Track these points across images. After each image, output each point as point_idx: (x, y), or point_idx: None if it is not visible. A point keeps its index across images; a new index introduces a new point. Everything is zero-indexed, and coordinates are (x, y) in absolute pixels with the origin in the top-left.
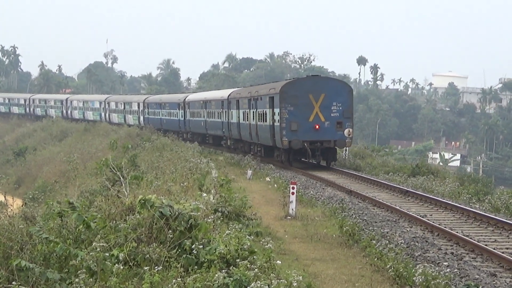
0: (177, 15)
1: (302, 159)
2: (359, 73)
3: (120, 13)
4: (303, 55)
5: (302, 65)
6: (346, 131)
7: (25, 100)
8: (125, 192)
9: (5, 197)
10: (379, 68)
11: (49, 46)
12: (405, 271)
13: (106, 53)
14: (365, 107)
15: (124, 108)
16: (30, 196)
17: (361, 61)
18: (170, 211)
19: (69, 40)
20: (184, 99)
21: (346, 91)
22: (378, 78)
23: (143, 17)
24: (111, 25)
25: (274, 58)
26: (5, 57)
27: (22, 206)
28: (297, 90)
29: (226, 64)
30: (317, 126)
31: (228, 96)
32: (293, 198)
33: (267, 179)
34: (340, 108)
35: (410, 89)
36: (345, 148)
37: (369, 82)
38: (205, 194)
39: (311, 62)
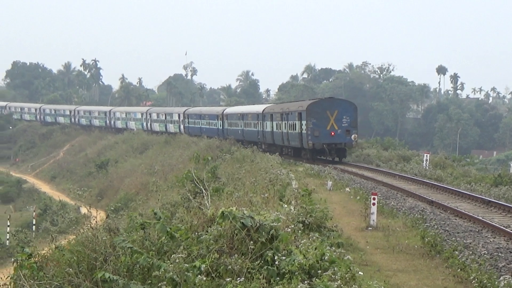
0: (255, 27)
1: (322, 157)
2: (439, 83)
3: (199, 26)
4: (382, 65)
5: (381, 75)
6: (352, 136)
7: (142, 114)
8: (207, 204)
9: (89, 209)
10: (459, 77)
11: (129, 59)
12: (488, 282)
13: (185, 65)
14: (445, 117)
15: (165, 118)
16: (113, 208)
17: (441, 70)
18: (251, 222)
19: (149, 53)
20: (223, 112)
21: (352, 108)
22: (458, 87)
23: (221, 30)
24: (190, 38)
25: (353, 68)
26: (87, 70)
27: (105, 218)
28: (318, 108)
29: (305, 75)
30: (332, 133)
31: (263, 110)
32: (374, 209)
33: (347, 189)
34: (348, 120)
35: (491, 98)
36: (425, 159)
37: (449, 92)
38: (286, 205)
39: (390, 72)
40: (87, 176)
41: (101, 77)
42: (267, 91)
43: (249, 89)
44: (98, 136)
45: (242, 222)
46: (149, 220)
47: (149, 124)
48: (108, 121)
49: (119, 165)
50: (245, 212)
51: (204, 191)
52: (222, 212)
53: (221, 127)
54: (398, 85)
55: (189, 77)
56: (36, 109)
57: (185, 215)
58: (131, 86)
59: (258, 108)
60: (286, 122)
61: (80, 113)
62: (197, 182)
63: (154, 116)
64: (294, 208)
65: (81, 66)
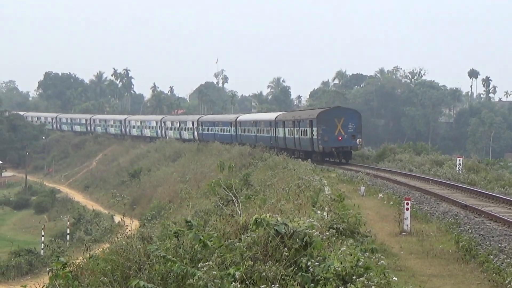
0: (286, 33)
1: (330, 159)
2: (471, 86)
3: (230, 32)
4: (413, 70)
5: (412, 79)
6: (357, 140)
7: (156, 123)
8: (239, 211)
9: (122, 217)
10: (491, 80)
11: (161, 68)
12: None
13: (216, 73)
14: (478, 121)
15: (180, 125)
16: (146, 217)
17: (473, 74)
18: (285, 229)
19: (180, 61)
20: (236, 119)
21: (357, 116)
22: (490, 91)
23: (252, 36)
24: (221, 45)
25: (384, 73)
26: (119, 80)
27: (139, 226)
28: (327, 116)
29: (336, 81)
30: (340, 138)
31: (275, 118)
32: (407, 214)
33: (380, 195)
34: (354, 126)
35: None
36: (458, 163)
37: (481, 95)
38: (319, 212)
39: (421, 76)
40: (120, 185)
41: (132, 86)
42: (298, 97)
43: (280, 96)
44: (131, 145)
45: (276, 229)
46: (182, 228)
47: (163, 132)
48: (123, 129)
49: (151, 173)
50: (278, 219)
51: (234, 198)
52: (256, 219)
53: (235, 133)
54: (429, 89)
55: (220, 84)
56: (52, 118)
57: (217, 222)
58: (163, 95)
59: (271, 116)
60: (298, 128)
61: (96, 122)
62: (227, 190)
63: (169, 124)
64: (327, 214)
65: (112, 75)
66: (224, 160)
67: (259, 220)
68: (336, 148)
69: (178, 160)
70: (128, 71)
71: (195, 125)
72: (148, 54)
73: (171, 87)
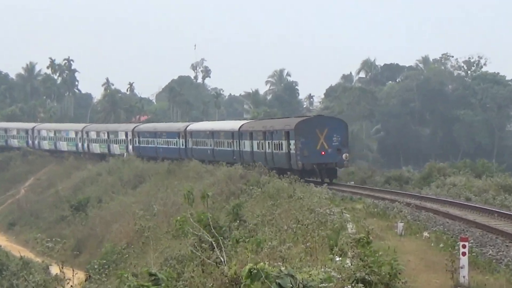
0: (291, 11)
1: (311, 178)
2: None
3: (212, 13)
4: (469, 58)
5: (469, 72)
6: (343, 155)
7: (76, 133)
8: (222, 259)
9: (61, 268)
10: None
11: (117, 58)
12: None
13: (194, 64)
14: None
15: (108, 137)
16: (95, 267)
17: None
18: (291, 283)
19: (144, 50)
20: (185, 129)
21: (343, 126)
22: None
23: (242, 18)
24: (200, 29)
25: (429, 63)
26: (57, 74)
27: (85, 280)
28: (307, 126)
29: (362, 74)
30: (323, 152)
31: (240, 128)
32: (464, 260)
33: (426, 234)
34: (339, 139)
35: None
36: None
37: None
38: (338, 258)
39: (481, 67)
40: (59, 222)
41: (77, 83)
42: (309, 97)
43: (283, 95)
44: (73, 165)
45: (279, 283)
46: (145, 284)
47: (85, 145)
48: (31, 141)
49: (103, 205)
50: (282, 268)
51: (215, 241)
52: (250, 270)
53: (184, 146)
54: (493, 85)
55: (199, 80)
56: None
57: (196, 274)
58: (119, 95)
59: (233, 124)
60: (271, 141)
61: None
62: (206, 229)
63: (93, 135)
64: (350, 262)
65: (48, 68)
66: (205, 186)
67: (255, 270)
68: (319, 164)
69: (141, 186)
70: (71, 62)
71: (130, 137)
72: (99, 41)
73: (130, 84)
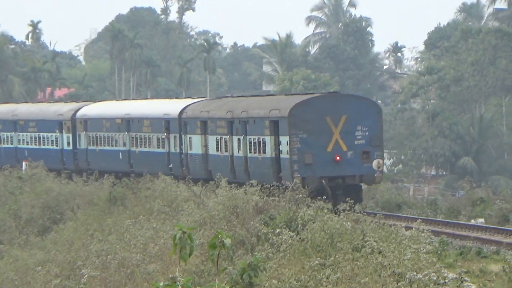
0: None
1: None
2: None
3: None
4: None
5: None
6: (375, 163)
7: None
8: None
9: None
10: None
11: None
12: None
13: None
14: None
15: None
16: None
17: None
18: None
19: None
20: (74, 114)
21: (373, 112)
22: None
23: None
24: None
25: None
26: None
27: None
28: (311, 112)
29: (502, 4)
30: (338, 158)
31: (181, 112)
32: None
33: None
34: (367, 133)
35: None
36: None
37: None
38: None
39: None
40: None
41: None
42: (395, 49)
43: (343, 46)
44: None
45: None
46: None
47: None
48: None
49: None
50: None
51: None
52: None
53: (70, 147)
54: None
55: (173, 15)
56: None
57: None
58: (10, 47)
59: (170, 106)
60: (243, 137)
61: None
62: None
63: None
64: None
65: None
66: (189, 227)
67: None
68: (331, 179)
69: (56, 229)
70: None
71: None
72: None
73: (33, 26)
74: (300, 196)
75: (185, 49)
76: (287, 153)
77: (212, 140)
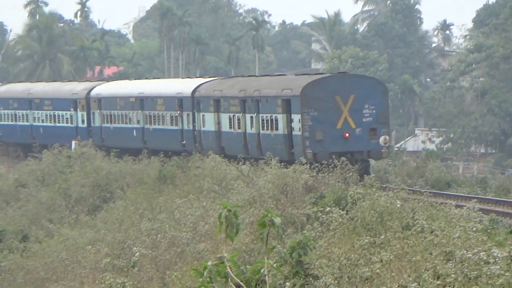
0: None
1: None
2: None
3: None
4: None
5: None
6: (381, 139)
7: None
8: None
9: None
10: None
11: None
12: None
13: None
14: None
15: None
16: None
17: None
18: None
19: None
20: (88, 93)
21: (380, 91)
22: None
23: None
24: None
25: None
26: None
27: None
28: (322, 91)
29: None
30: (347, 134)
31: (194, 91)
32: None
33: None
34: (374, 111)
35: None
36: None
37: None
38: None
39: None
40: None
41: None
42: (443, 27)
43: (392, 24)
44: None
45: None
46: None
47: None
48: None
49: (31, 247)
50: None
51: None
52: None
53: (85, 125)
54: None
55: None
56: None
57: None
58: (59, 25)
59: (183, 85)
60: (255, 115)
61: None
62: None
63: None
64: None
65: None
66: (235, 205)
67: None
68: (341, 154)
69: (106, 208)
70: None
71: None
72: None
73: (82, 4)
74: (350, 174)
75: (233, 27)
76: (299, 130)
77: (225, 117)
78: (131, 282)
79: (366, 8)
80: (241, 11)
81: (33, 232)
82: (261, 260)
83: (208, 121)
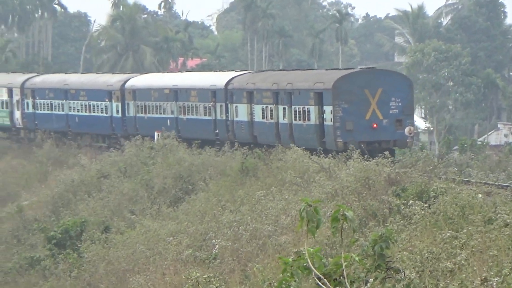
0: None
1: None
2: None
3: None
4: None
5: None
6: (407, 130)
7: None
8: None
9: None
10: None
11: None
12: None
13: None
14: None
15: None
16: None
17: None
18: None
19: None
20: (123, 85)
21: (406, 85)
22: None
23: None
24: None
25: None
26: None
27: None
28: (352, 85)
29: None
30: (374, 125)
31: (227, 84)
32: None
33: None
34: (400, 104)
35: None
36: None
37: None
38: None
39: None
40: (25, 271)
41: None
42: None
43: (475, 18)
44: (52, 155)
45: None
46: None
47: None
48: None
49: (113, 238)
50: None
51: None
52: None
53: (119, 115)
54: None
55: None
56: None
57: None
58: (143, 16)
59: (216, 78)
60: (288, 106)
61: None
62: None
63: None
64: None
65: None
66: (315, 200)
67: None
68: (369, 143)
69: (188, 200)
70: None
71: (17, 96)
72: None
73: None
74: (431, 168)
75: (317, 20)
76: (331, 121)
77: (258, 108)
78: (216, 278)
79: (450, 1)
80: (324, 3)
81: (114, 223)
82: (346, 254)
83: (241, 112)
